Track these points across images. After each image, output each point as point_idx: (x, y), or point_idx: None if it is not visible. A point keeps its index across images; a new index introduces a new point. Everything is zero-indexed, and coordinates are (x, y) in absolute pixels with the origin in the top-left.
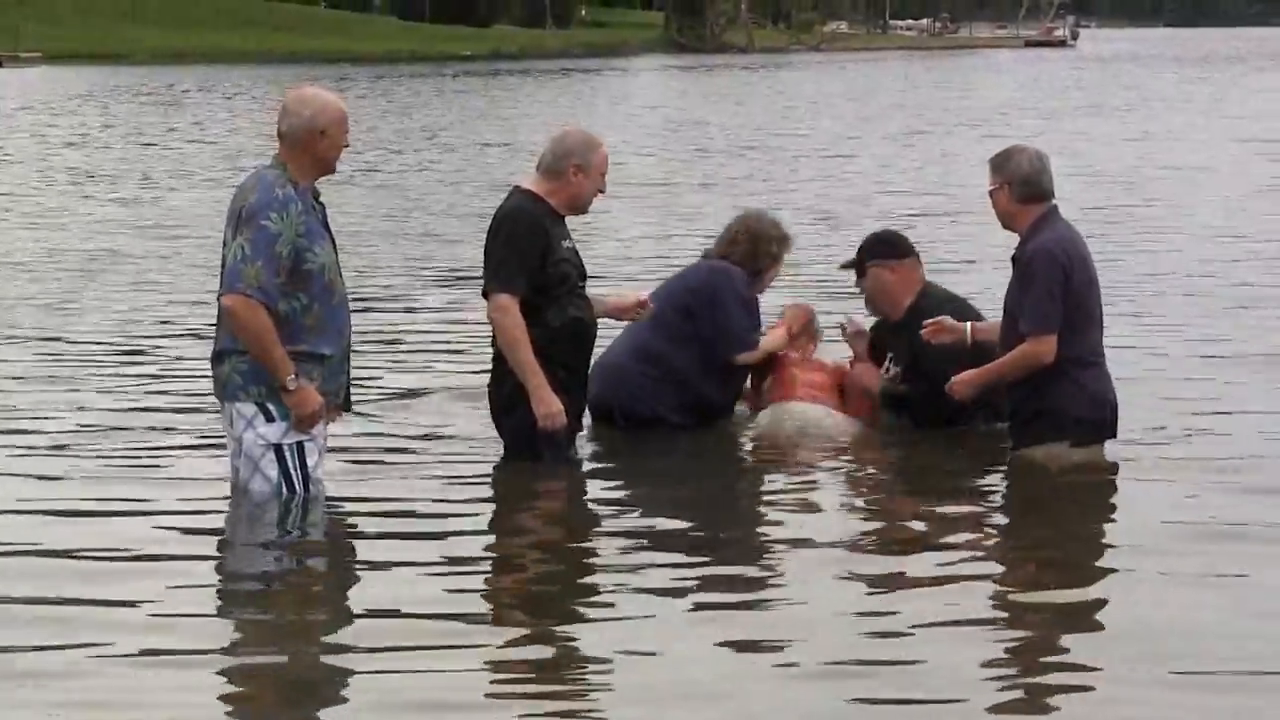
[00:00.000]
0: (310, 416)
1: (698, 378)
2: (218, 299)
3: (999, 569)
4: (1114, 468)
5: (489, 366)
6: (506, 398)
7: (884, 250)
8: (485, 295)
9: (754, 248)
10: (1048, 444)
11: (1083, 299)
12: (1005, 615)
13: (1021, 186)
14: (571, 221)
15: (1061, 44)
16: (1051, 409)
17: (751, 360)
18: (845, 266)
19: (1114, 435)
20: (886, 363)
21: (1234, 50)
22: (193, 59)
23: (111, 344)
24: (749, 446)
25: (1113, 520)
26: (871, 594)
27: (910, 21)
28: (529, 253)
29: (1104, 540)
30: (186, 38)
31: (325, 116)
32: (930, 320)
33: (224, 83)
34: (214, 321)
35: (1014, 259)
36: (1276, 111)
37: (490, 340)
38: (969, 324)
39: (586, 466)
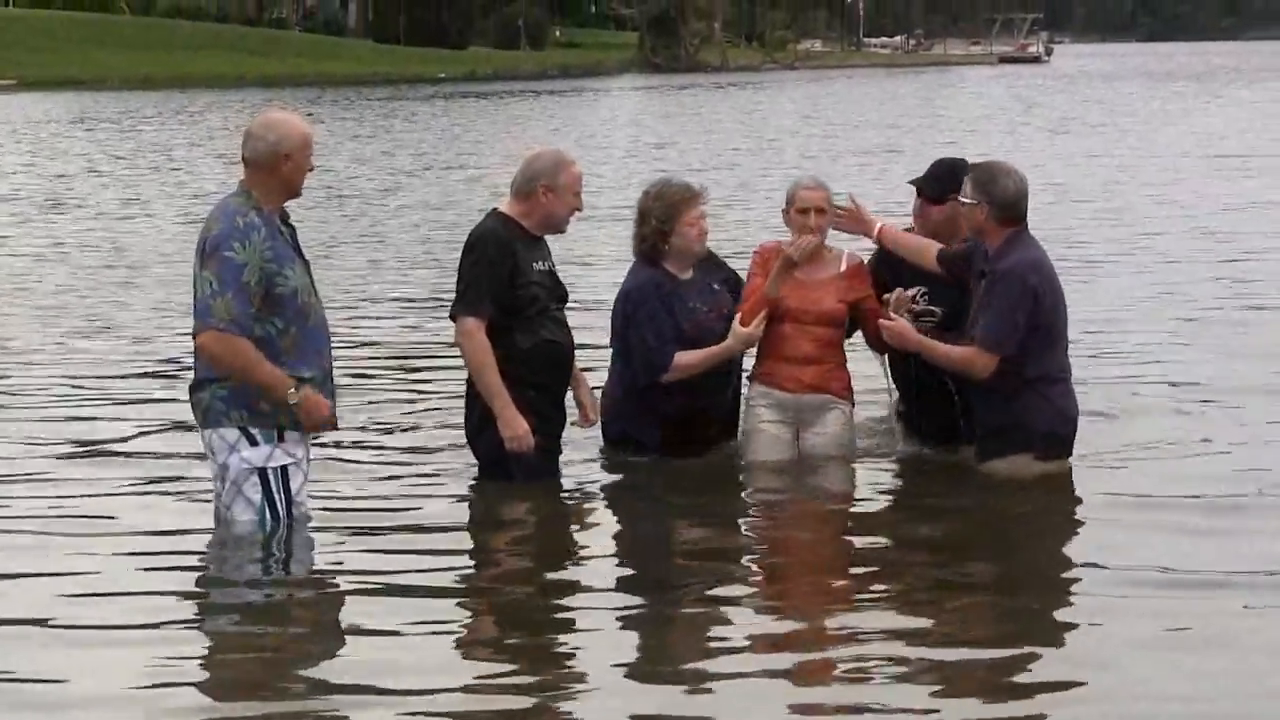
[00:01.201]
0: (325, 420)
1: (649, 391)
2: (194, 333)
3: (952, 610)
4: (1076, 495)
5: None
6: (477, 420)
7: (957, 183)
8: (453, 318)
9: (641, 228)
10: (1014, 456)
11: (1052, 319)
12: (955, 661)
13: (1002, 210)
14: (555, 247)
15: (1035, 60)
16: (1019, 423)
17: (672, 379)
18: (919, 186)
19: (1071, 452)
20: (914, 292)
21: (1206, 65)
22: (165, 84)
23: (73, 375)
24: (726, 470)
25: (1071, 557)
26: (835, 636)
27: (884, 39)
28: (495, 275)
29: (1060, 583)
30: (160, 62)
31: (289, 141)
32: (843, 206)
33: (189, 107)
34: (186, 350)
35: (982, 272)
36: (1243, 127)
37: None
38: (879, 222)
39: (565, 488)
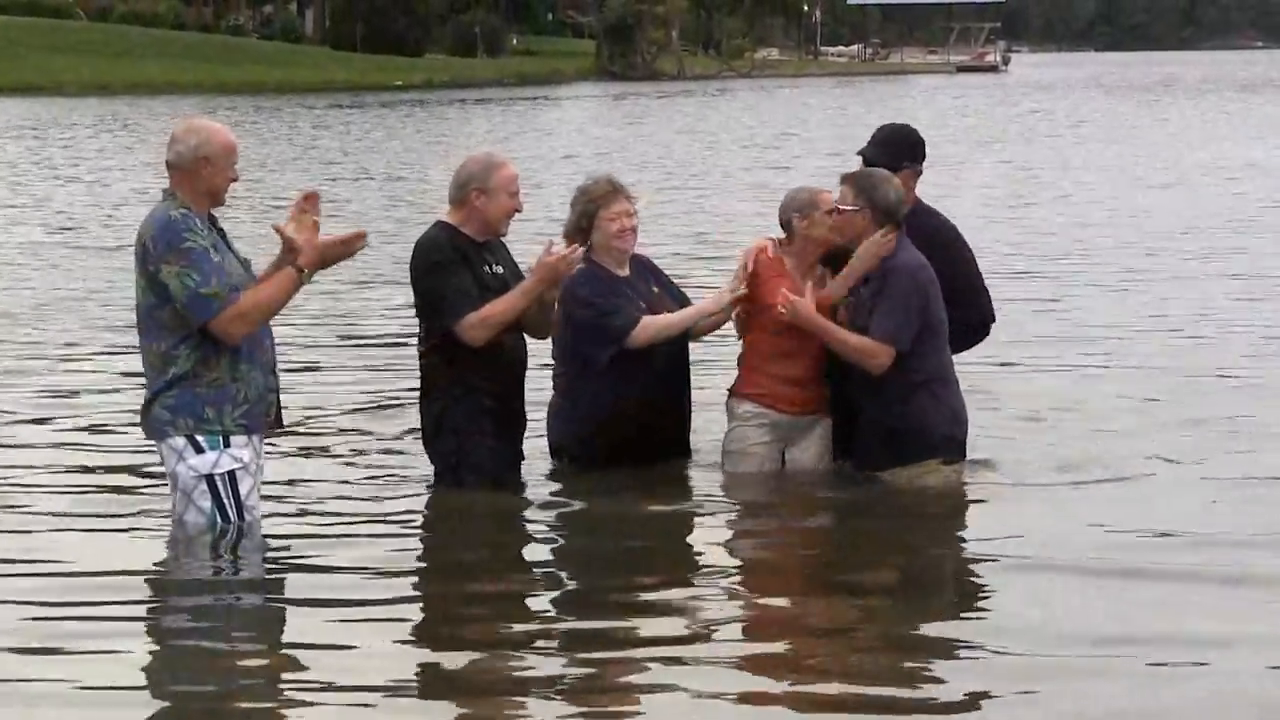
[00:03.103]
0: (344, 243)
1: (581, 394)
2: (148, 344)
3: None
4: (988, 502)
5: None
6: (434, 422)
7: (916, 154)
8: (429, 335)
9: (567, 222)
10: (921, 462)
11: (938, 318)
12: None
13: (886, 215)
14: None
15: (993, 69)
16: (918, 427)
17: (640, 343)
18: (868, 158)
19: (966, 454)
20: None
21: (1166, 76)
22: (120, 91)
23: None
24: (680, 480)
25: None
26: (775, 667)
27: (841, 48)
28: (459, 274)
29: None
30: (117, 70)
31: (210, 145)
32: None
33: (131, 115)
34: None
35: (866, 278)
36: (1201, 140)
37: (418, 365)
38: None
39: (520, 495)
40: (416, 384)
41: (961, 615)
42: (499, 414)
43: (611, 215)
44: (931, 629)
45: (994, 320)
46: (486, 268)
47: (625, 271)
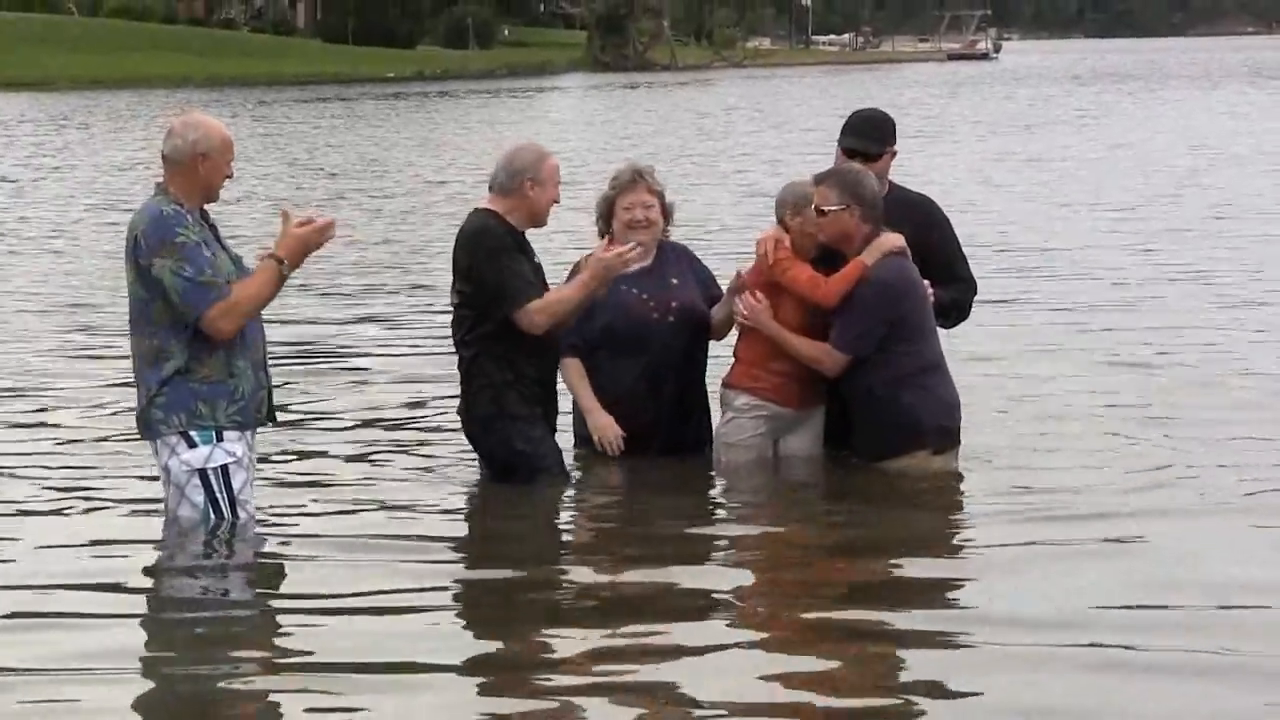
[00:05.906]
0: (319, 231)
1: (596, 381)
2: (140, 340)
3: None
4: (978, 499)
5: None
6: (484, 411)
7: (894, 135)
8: (480, 322)
9: (600, 208)
10: (911, 453)
11: (921, 314)
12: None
13: (871, 209)
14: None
15: (984, 57)
16: (910, 420)
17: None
18: (852, 150)
19: (959, 441)
20: None
21: (1152, 64)
22: (113, 85)
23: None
24: (684, 474)
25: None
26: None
27: (833, 37)
28: (518, 261)
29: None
30: (108, 64)
31: (207, 141)
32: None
33: (110, 108)
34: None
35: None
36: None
37: (460, 356)
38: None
39: (567, 488)
40: (410, 384)
41: (948, 608)
42: (545, 400)
43: (628, 204)
44: (921, 622)
45: (974, 293)
46: (533, 258)
47: (647, 261)
